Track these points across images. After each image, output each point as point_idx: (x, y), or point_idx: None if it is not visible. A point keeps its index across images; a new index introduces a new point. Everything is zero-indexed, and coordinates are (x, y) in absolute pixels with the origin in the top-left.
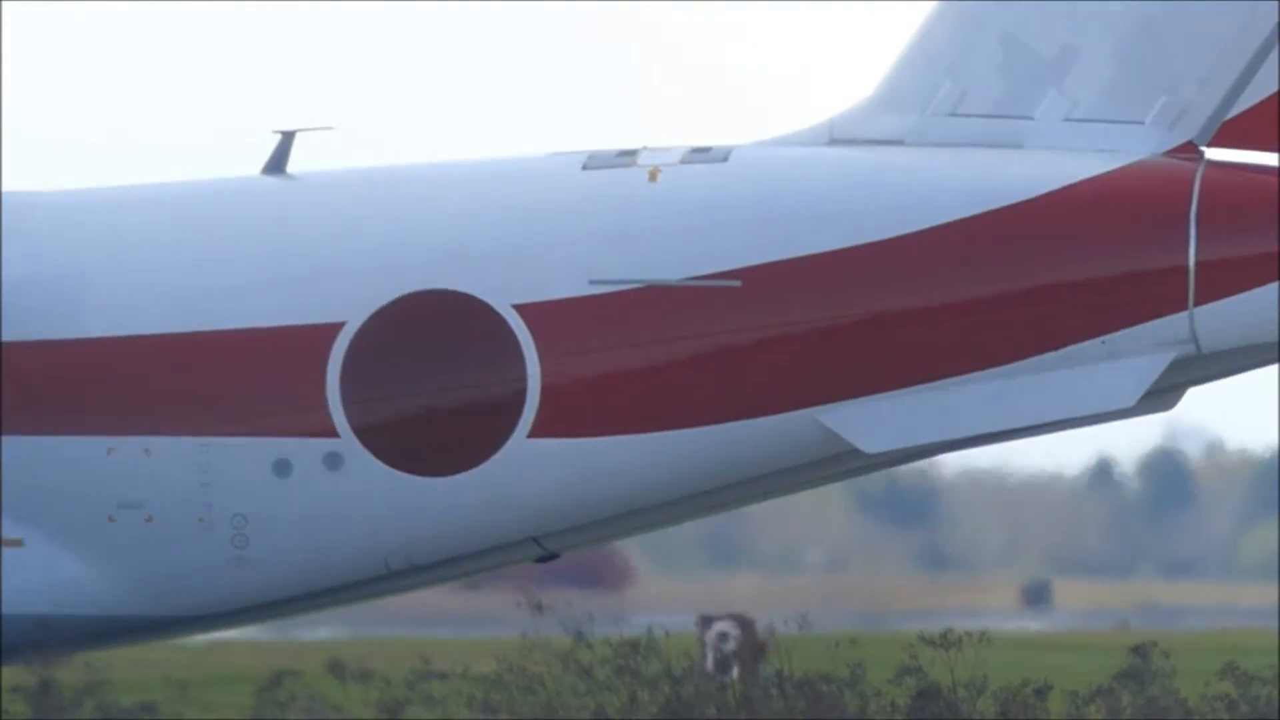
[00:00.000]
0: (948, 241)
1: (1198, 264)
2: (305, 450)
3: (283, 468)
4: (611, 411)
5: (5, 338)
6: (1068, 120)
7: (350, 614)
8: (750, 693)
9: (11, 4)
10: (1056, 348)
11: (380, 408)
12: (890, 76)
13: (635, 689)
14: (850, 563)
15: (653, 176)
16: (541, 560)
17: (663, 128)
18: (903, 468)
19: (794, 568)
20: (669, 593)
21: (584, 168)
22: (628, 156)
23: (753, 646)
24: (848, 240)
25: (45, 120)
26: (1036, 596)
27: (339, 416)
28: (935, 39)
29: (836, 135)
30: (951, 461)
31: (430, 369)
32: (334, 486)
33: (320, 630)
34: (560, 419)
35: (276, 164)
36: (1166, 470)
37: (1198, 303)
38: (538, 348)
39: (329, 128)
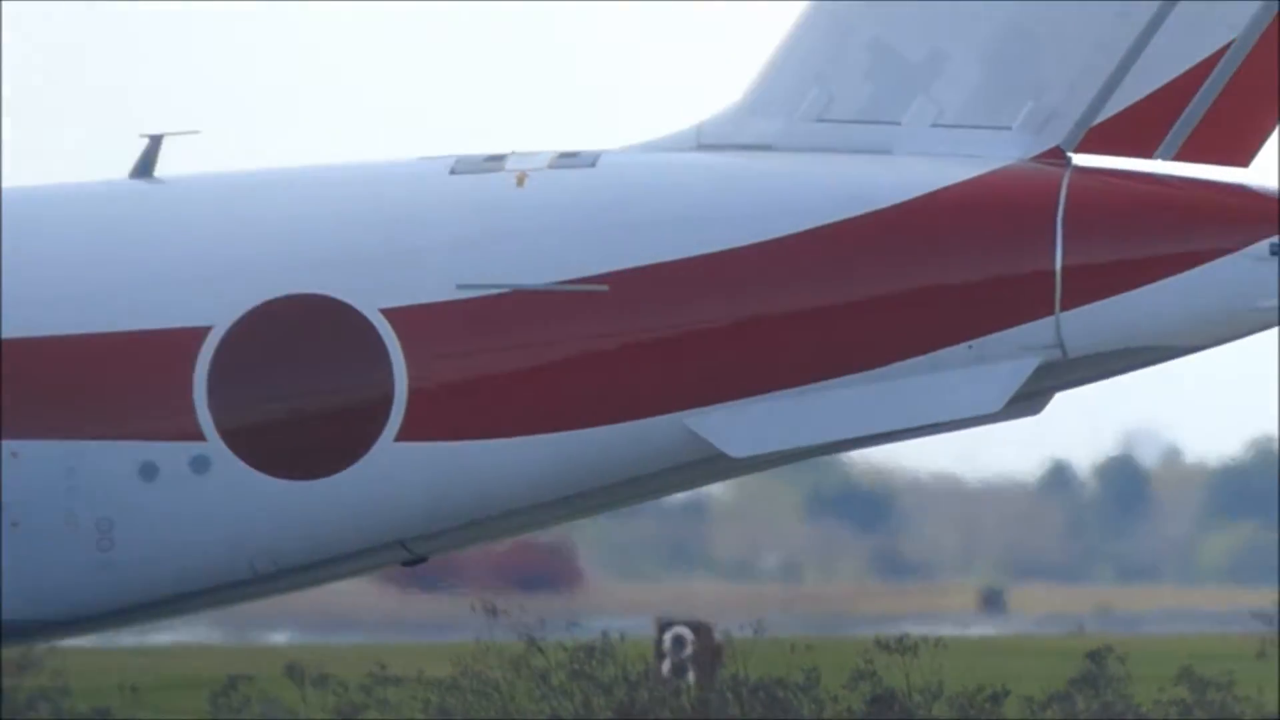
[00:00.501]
0: (814, 247)
1: (1064, 269)
2: (171, 454)
3: (149, 471)
4: (479, 415)
5: None
6: (935, 125)
7: (306, 619)
8: (706, 697)
9: None
10: (923, 352)
11: (247, 411)
12: (759, 81)
13: (590, 693)
14: (806, 568)
15: (520, 181)
16: (408, 564)
17: (531, 133)
18: (859, 471)
19: (750, 573)
20: (625, 598)
21: (452, 172)
22: (495, 161)
23: (709, 651)
24: (714, 245)
25: None
26: (993, 601)
27: (206, 420)
28: (804, 43)
29: (704, 140)
30: (908, 466)
31: (297, 373)
32: (200, 490)
33: (276, 635)
34: (427, 423)
35: (144, 167)
36: (1123, 475)
37: (1064, 307)
38: (404, 352)
39: (196, 131)
